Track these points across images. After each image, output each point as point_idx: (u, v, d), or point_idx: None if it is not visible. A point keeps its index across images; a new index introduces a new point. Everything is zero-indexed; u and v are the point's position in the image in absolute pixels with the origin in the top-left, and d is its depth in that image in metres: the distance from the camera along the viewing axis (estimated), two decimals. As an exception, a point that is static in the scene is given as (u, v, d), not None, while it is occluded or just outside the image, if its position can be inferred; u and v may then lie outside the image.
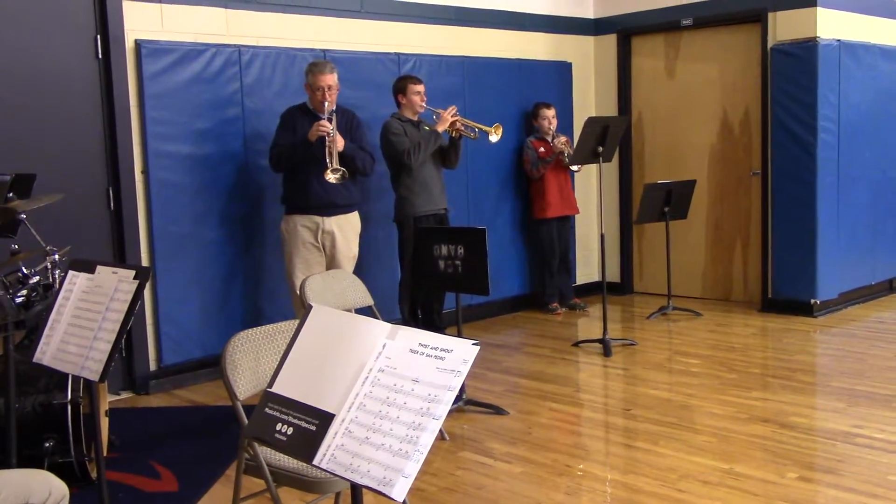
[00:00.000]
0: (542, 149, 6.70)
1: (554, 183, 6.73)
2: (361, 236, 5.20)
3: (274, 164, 4.92)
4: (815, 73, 6.17)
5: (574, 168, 6.72)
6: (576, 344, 5.81)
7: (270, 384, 1.79)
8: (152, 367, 5.02)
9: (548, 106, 6.74)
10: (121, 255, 4.89)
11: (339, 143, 4.76)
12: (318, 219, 4.94)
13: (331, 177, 4.72)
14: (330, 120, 4.76)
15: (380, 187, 5.75)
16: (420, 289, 5.54)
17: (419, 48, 6.17)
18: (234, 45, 5.20)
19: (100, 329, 2.42)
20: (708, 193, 7.05)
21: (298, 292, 4.04)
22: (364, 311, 4.14)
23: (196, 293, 5.10)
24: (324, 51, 5.56)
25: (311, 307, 1.86)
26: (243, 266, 5.30)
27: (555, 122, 6.73)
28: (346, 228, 5.04)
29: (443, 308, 5.79)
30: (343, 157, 4.78)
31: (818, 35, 6.20)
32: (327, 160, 4.71)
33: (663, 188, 6.46)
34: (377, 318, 3.74)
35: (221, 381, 2.52)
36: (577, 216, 7.10)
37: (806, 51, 6.21)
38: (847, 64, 6.41)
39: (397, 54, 6.00)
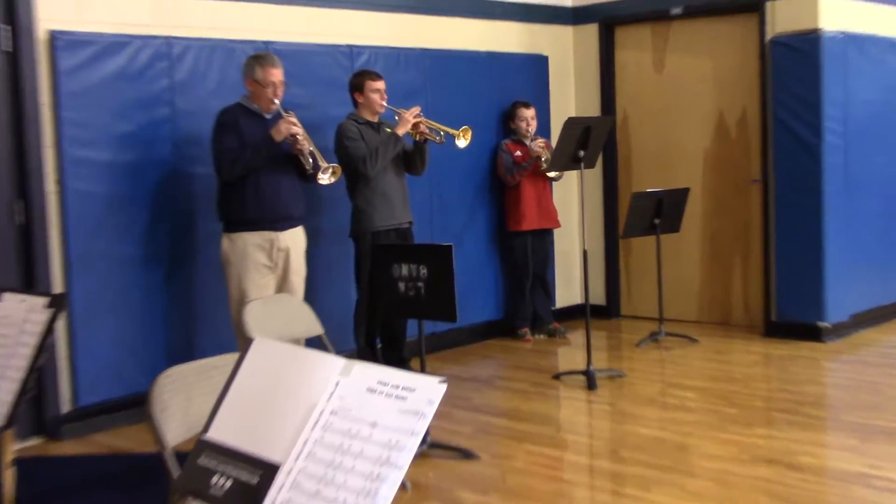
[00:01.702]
0: (518, 153, 6.75)
1: (531, 191, 6.77)
2: (311, 254, 5.18)
3: (227, 171, 4.81)
4: (819, 68, 6.29)
5: (552, 175, 6.75)
6: (556, 376, 5.82)
7: (205, 429, 1.77)
8: (66, 407, 4.94)
9: (527, 105, 6.80)
10: (29, 279, 4.82)
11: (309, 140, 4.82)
12: (271, 235, 4.90)
13: (325, 178, 4.77)
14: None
15: (332, 197, 5.74)
16: (378, 315, 5.52)
17: (374, 40, 6.18)
18: (163, 37, 5.17)
19: (6, 367, 2.38)
20: (702, 203, 7.13)
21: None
22: (313, 341, 4.12)
23: (118, 322, 5.03)
24: (266, 43, 5.55)
25: (252, 340, 1.84)
26: (173, 290, 5.24)
27: (534, 123, 6.80)
28: (298, 244, 5.04)
29: (406, 336, 5.77)
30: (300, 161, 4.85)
31: (821, 26, 6.31)
32: (311, 161, 4.75)
33: (653, 198, 6.53)
34: (328, 350, 3.72)
35: (147, 425, 2.49)
36: (556, 231, 7.13)
37: (808, 44, 6.32)
38: (853, 58, 6.54)
39: (350, 47, 6.01)
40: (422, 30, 6.50)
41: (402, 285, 4.25)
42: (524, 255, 6.83)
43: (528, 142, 6.76)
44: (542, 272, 6.99)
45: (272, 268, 4.93)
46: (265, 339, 1.83)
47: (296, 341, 4.12)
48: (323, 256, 5.73)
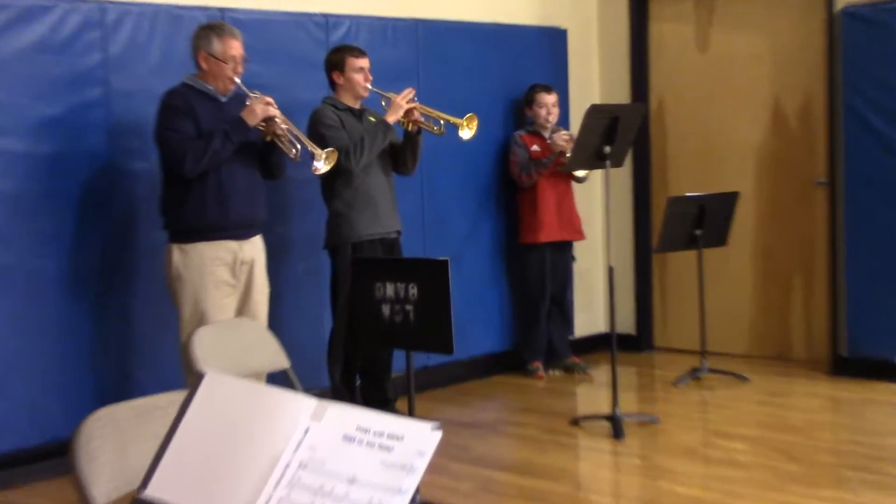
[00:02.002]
0: (535, 147, 6.77)
1: (550, 195, 6.78)
2: (276, 270, 5.19)
3: (191, 166, 4.74)
4: (900, 46, 6.32)
5: (580, 175, 6.74)
6: (575, 422, 5.82)
7: (143, 485, 1.77)
8: (-30, 457, 4.93)
9: (548, 90, 6.83)
10: (-72, 297, 4.82)
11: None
12: (234, 245, 4.90)
13: (320, 166, 4.84)
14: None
15: (301, 199, 5.74)
16: (359, 345, 5.52)
17: (356, 7, 6.21)
18: (95, 0, 5.17)
19: None
20: (755, 211, 7.15)
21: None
22: (277, 376, 4.11)
23: (35, 352, 5.02)
24: (221, 10, 5.57)
25: (203, 374, 1.84)
26: (106, 313, 5.24)
27: (556, 111, 6.84)
28: (260, 255, 5.06)
29: (391, 371, 5.76)
30: (266, 151, 4.91)
31: (903, -5, 6.35)
32: (297, 147, 4.80)
33: (694, 204, 6.54)
34: (296, 388, 3.71)
35: (70, 480, 2.47)
36: (576, 244, 7.13)
37: (887, 15, 6.34)
38: (943, 34, 6.57)
39: (325, 16, 6.03)
40: (413, -4, 6.54)
41: (386, 308, 4.24)
42: (540, 273, 6.83)
43: (547, 134, 6.77)
44: (561, 294, 7.00)
45: (235, 285, 4.92)
46: (218, 374, 1.83)
47: (256, 376, 4.10)
48: (290, 273, 5.73)
